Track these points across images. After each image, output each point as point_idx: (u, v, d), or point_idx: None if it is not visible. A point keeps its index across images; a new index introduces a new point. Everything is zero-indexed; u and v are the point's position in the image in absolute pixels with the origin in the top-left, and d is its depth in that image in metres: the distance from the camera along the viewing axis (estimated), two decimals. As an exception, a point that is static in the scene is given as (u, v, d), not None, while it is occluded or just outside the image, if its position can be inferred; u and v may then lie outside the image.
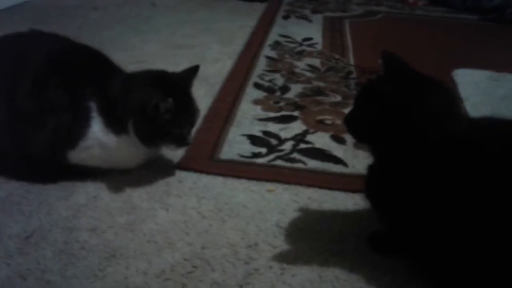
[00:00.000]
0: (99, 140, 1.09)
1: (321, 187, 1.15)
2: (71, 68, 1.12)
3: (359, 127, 0.93)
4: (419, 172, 0.85)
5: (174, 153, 1.23)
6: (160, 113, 1.05)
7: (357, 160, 1.26)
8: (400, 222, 0.90)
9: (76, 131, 1.08)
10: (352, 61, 1.94)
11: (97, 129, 1.08)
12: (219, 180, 1.17)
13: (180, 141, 1.11)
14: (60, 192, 1.09)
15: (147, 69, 1.16)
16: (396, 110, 0.86)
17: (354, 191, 1.12)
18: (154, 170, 1.18)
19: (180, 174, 1.18)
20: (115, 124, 1.09)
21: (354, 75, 1.81)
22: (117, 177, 1.14)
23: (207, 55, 1.95)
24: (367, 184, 0.95)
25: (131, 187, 1.12)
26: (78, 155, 1.10)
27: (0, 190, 1.09)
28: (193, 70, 1.15)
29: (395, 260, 0.93)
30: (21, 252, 0.92)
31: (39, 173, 1.12)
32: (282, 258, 0.93)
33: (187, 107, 1.11)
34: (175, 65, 1.54)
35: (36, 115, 1.08)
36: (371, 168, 0.95)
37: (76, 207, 1.05)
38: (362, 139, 0.96)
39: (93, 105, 1.08)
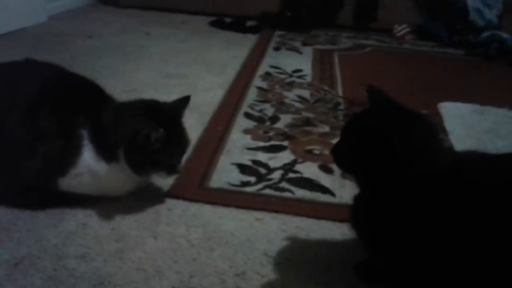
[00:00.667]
0: (89, 167, 1.10)
1: (308, 216, 1.17)
2: (64, 97, 1.14)
3: (345, 158, 0.96)
4: (402, 204, 0.87)
5: (164, 181, 1.24)
6: (151, 142, 1.07)
7: (345, 190, 1.28)
8: (384, 251, 0.91)
9: (67, 158, 1.10)
10: (340, 93, 1.99)
11: (88, 156, 1.10)
12: (208, 208, 1.18)
13: (170, 169, 1.13)
14: (49, 219, 1.10)
15: (139, 98, 1.19)
16: (380, 143, 0.88)
17: (341, 220, 1.14)
18: (143, 198, 1.19)
19: (169, 202, 1.19)
20: (106, 152, 1.11)
21: (342, 106, 1.85)
22: (106, 205, 1.15)
23: (199, 84, 1.98)
24: (353, 214, 0.97)
25: (120, 214, 1.13)
26: (68, 183, 1.11)
27: (-11, 216, 1.09)
28: (185, 100, 1.18)
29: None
30: (10, 278, 0.92)
31: (29, 200, 1.13)
32: (269, 287, 0.94)
33: (178, 136, 1.13)
34: (167, 94, 1.57)
35: (27, 142, 1.09)
36: (356, 198, 0.97)
37: (65, 234, 1.05)
38: (348, 170, 0.99)
39: (84, 133, 1.10)
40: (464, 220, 0.81)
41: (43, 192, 1.12)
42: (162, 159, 1.10)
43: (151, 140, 1.07)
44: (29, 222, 1.08)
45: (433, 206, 0.84)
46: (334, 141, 1.56)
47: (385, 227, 0.89)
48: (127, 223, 1.11)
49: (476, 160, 0.91)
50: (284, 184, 1.30)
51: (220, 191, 1.26)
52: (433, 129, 0.93)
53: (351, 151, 0.93)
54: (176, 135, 1.13)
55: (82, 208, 1.14)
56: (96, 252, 1.00)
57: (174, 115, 1.16)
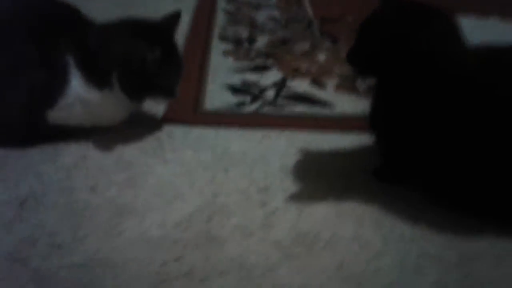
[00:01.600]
0: (80, 96, 1.00)
1: (314, 130, 1.14)
2: (40, 20, 1.01)
3: (363, 61, 0.93)
4: (423, 100, 0.87)
5: (156, 107, 1.17)
6: (147, 65, 0.98)
7: (342, 101, 1.26)
8: (407, 150, 0.91)
9: (54, 88, 0.99)
10: (310, 11, 1.93)
11: (77, 84, 1.00)
12: (209, 131, 1.13)
13: (168, 93, 1.05)
14: (43, 155, 1.00)
15: (125, 17, 1.08)
16: (399, 39, 0.86)
17: (347, 131, 1.13)
18: (139, 126, 1.12)
19: (168, 128, 1.12)
20: (96, 78, 1.01)
21: (315, 24, 1.80)
22: (101, 136, 1.07)
23: (161, 9, 1.84)
24: (372, 116, 0.96)
25: (120, 144, 1.05)
26: (58, 115, 1.01)
27: (-26, 159, 0.98)
28: (175, 17, 1.09)
29: (405, 189, 0.94)
30: (20, 218, 0.84)
31: (16, 137, 1.02)
32: (296, 199, 0.92)
33: (174, 56, 1.05)
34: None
35: (6, 74, 0.98)
36: (375, 100, 0.95)
37: (66, 168, 0.97)
38: (366, 73, 0.96)
39: (70, 59, 0.99)
40: (485, 112, 0.82)
41: (30, 127, 1.02)
42: (159, 83, 1.02)
43: (147, 62, 0.98)
44: (22, 160, 0.98)
45: (452, 101, 0.84)
46: (318, 57, 1.53)
47: (406, 125, 0.89)
48: (129, 152, 1.03)
49: (495, 52, 0.90)
50: (281, 101, 1.26)
51: (218, 113, 1.20)
52: (452, 23, 0.91)
53: (369, 52, 0.90)
54: (171, 55, 1.04)
55: (76, 141, 1.05)
56: (105, 183, 0.93)
57: (166, 34, 1.06)
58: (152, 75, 1.00)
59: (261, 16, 1.85)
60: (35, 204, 0.87)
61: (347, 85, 1.34)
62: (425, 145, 0.88)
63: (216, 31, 1.69)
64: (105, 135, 1.07)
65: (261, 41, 1.62)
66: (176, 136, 1.10)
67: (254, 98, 1.26)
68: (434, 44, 0.86)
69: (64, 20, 1.04)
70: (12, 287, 0.71)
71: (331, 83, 1.35)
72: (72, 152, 1.02)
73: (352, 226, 0.86)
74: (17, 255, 0.77)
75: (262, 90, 1.31)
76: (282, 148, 1.08)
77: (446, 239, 0.83)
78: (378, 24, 0.89)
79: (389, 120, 0.92)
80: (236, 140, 1.10)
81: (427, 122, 0.87)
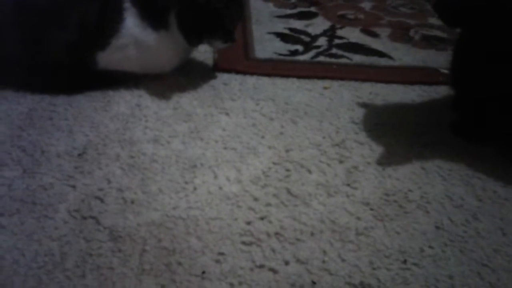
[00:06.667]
0: (134, 36, 0.91)
1: (377, 81, 1.06)
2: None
3: (454, 11, 0.84)
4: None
5: (203, 57, 1.08)
6: (212, 1, 0.89)
7: (400, 52, 1.18)
8: (494, 106, 0.85)
9: (106, 27, 0.90)
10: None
11: (131, 23, 0.90)
12: (265, 80, 1.05)
13: (228, 36, 0.96)
14: (93, 102, 0.92)
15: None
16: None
17: (411, 82, 1.06)
18: (191, 75, 1.03)
19: (222, 77, 1.04)
20: (153, 17, 0.91)
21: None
22: (153, 84, 0.98)
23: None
24: (456, 69, 0.88)
25: (174, 93, 0.97)
26: (110, 57, 0.92)
27: (18, 105, 0.89)
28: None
29: (488, 147, 0.88)
30: (81, 171, 0.76)
31: (61, 82, 0.93)
32: (375, 154, 0.85)
33: (237, -6, 0.95)
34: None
35: (53, 10, 0.87)
36: (461, 53, 0.87)
37: (122, 118, 0.88)
38: (457, 24, 0.87)
39: (124, -6, 0.90)
40: None
41: (79, 70, 0.92)
42: (221, 23, 0.93)
43: (212, -1, 0.88)
44: (71, 108, 0.89)
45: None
46: (362, 5, 1.43)
47: (498, 80, 0.82)
48: (186, 101, 0.95)
49: None
50: (336, 51, 1.17)
51: (272, 61, 1.11)
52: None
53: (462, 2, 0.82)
54: (235, -7, 0.94)
55: (126, 89, 0.96)
56: (168, 134, 0.85)
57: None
58: (215, 14, 0.91)
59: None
60: (97, 156, 0.79)
61: (401, 35, 1.26)
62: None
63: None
64: (158, 83, 0.98)
65: (300, -13, 1.51)
66: (232, 85, 1.02)
67: (307, 47, 1.17)
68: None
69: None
70: (89, 247, 0.64)
71: (383, 32, 1.27)
72: (125, 100, 0.93)
73: (442, 184, 0.79)
74: (86, 212, 0.69)
75: (313, 39, 1.21)
76: (347, 99, 1.00)
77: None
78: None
79: (476, 73, 0.85)
80: (295, 90, 1.02)
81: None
